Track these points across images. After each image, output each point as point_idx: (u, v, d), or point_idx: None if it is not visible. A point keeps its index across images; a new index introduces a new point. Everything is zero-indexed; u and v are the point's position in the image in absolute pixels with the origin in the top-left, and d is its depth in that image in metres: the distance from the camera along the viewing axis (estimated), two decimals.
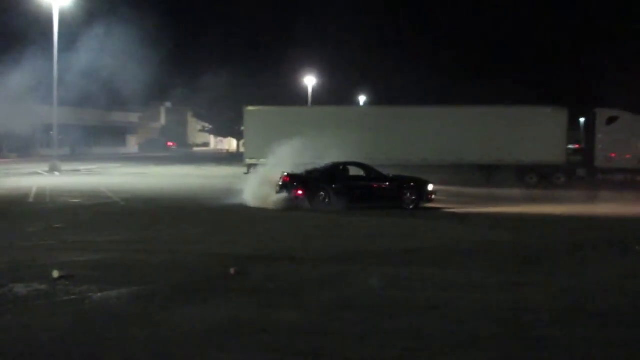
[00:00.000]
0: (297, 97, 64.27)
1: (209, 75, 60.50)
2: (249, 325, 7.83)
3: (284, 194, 20.16)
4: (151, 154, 71.30)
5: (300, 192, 20.18)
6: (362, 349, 7.05)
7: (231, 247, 13.36)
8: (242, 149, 42.65)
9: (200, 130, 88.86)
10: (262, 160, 29.50)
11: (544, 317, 8.32)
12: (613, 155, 30.53)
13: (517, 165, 30.92)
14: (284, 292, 9.43)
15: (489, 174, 31.50)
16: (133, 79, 46.35)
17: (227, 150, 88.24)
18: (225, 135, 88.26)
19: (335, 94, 65.26)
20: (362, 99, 78.48)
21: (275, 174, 21.76)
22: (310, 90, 66.76)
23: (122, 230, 15.61)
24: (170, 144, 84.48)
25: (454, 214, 20.01)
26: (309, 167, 21.14)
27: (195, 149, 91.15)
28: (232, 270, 10.58)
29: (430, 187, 20.84)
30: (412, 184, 20.89)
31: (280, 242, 14.10)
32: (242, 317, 8.13)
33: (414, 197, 20.48)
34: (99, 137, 71.30)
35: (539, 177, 30.94)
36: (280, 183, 20.42)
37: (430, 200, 20.85)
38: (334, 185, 20.28)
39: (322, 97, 64.83)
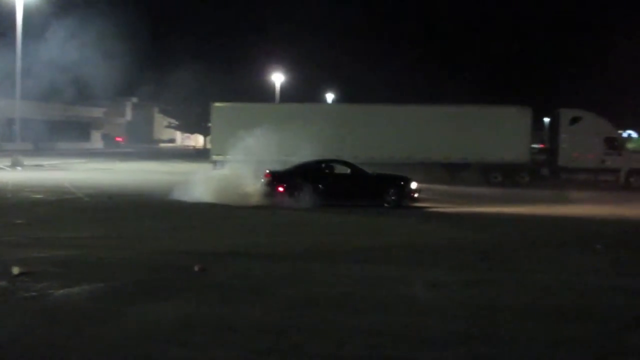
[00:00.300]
0: (265, 94, 64.10)
1: (176, 71, 60.01)
2: (212, 322, 7.79)
3: (266, 191, 20.24)
4: (110, 150, 70.43)
5: (281, 188, 20.24)
6: (325, 346, 7.05)
7: (196, 243, 13.29)
8: (208, 146, 42.40)
9: (167, 126, 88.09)
10: (229, 157, 29.42)
11: (506, 314, 8.40)
12: (576, 154, 30.97)
13: (482, 164, 31.22)
14: (247, 289, 9.40)
15: (454, 172, 31.75)
16: (99, 73, 45.79)
17: (194, 146, 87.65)
18: (191, 132, 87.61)
19: (303, 91, 65.28)
20: (330, 96, 78.53)
21: (242, 170, 21.72)
22: (278, 87, 66.63)
23: (85, 226, 15.43)
24: (118, 139, 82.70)
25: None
26: (293, 164, 21.22)
27: (161, 145, 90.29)
28: (196, 267, 10.52)
29: (413, 186, 20.72)
30: (393, 182, 20.84)
31: (246, 239, 14.04)
32: (206, 314, 8.09)
33: (395, 195, 20.41)
34: (63, 132, 70.24)
35: (504, 176, 31.27)
36: (263, 180, 20.46)
37: (414, 199, 20.77)
38: (314, 183, 20.28)
39: (291, 94, 64.77)
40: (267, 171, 20.66)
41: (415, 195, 20.77)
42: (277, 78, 66.16)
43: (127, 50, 48.80)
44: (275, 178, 20.46)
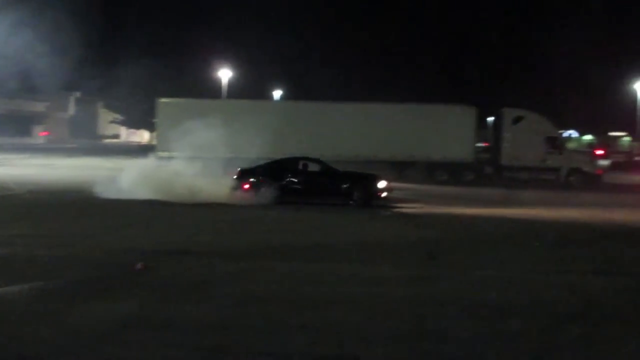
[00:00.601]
0: (212, 90, 63.46)
1: (122, 66, 59.01)
2: (154, 321, 7.70)
3: (235, 187, 20.28)
4: (52, 145, 68.81)
5: (247, 186, 20.23)
6: (269, 344, 7.04)
7: (138, 241, 13.08)
8: (154, 142, 41.83)
9: (111, 122, 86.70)
10: (174, 154, 29.06)
11: (449, 310, 8.53)
12: (518, 153, 31.53)
13: (427, 162, 31.55)
14: (191, 287, 9.32)
15: (400, 170, 31.98)
16: (42, 66, 44.65)
17: (139, 142, 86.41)
18: (137, 127, 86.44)
19: (251, 88, 64.81)
20: (278, 93, 78.26)
21: (187, 167, 21.50)
22: (225, 83, 66.12)
23: (25, 223, 15.07)
24: (42, 133, 79.79)
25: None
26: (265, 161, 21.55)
27: (106, 140, 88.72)
28: (138, 265, 10.38)
29: (381, 185, 20.34)
30: (358, 180, 20.52)
31: (190, 237, 13.91)
32: (147, 313, 7.99)
33: (360, 194, 20.03)
34: (4, 126, 68.31)
35: (449, 174, 31.67)
36: (235, 177, 20.58)
37: (381, 198, 20.36)
38: (279, 180, 20.24)
39: (238, 90, 64.24)
40: (239, 168, 20.77)
41: (383, 194, 20.39)
42: (225, 74, 65.61)
43: (71, 44, 47.74)
44: (243, 175, 20.52)
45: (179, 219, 16.77)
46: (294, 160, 21.47)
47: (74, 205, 18.81)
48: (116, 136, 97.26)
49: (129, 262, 10.58)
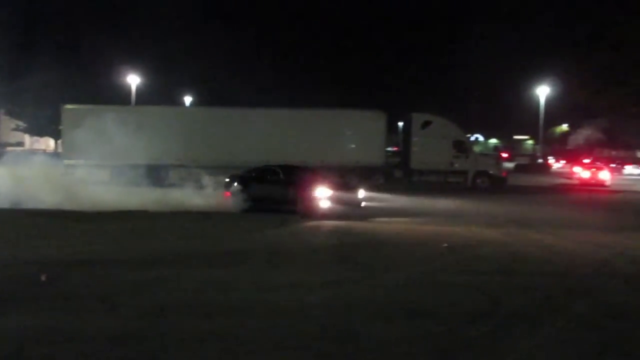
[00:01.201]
0: (120, 97, 62.08)
1: (25, 72, 57.04)
2: (58, 333, 7.44)
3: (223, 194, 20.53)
4: None
5: (228, 193, 20.46)
6: (179, 353, 6.93)
7: (41, 252, 12.59)
8: (60, 149, 40.57)
9: (14, 129, 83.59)
10: (81, 161, 28.31)
11: (359, 313, 8.60)
12: (427, 157, 32.21)
13: (339, 166, 31.71)
14: (97, 298, 9.05)
15: None
16: None
17: (44, 150, 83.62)
18: (41, 135, 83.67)
19: (161, 94, 63.78)
20: (188, 99, 77.34)
21: (93, 174, 20.98)
22: (134, 89, 64.85)
23: None
24: None
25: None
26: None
27: (9, 148, 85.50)
28: (43, 277, 10.01)
29: (322, 193, 19.13)
30: (300, 188, 19.43)
31: (95, 246, 13.49)
32: (51, 326, 7.72)
33: (301, 203, 19.14)
34: None
35: (360, 178, 31.96)
36: (225, 183, 20.96)
37: (320, 208, 18.98)
38: (249, 188, 20.19)
39: (148, 96, 63.06)
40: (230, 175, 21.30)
41: (325, 204, 19.07)
42: (133, 80, 64.32)
43: None
44: (230, 181, 20.79)
45: (82, 228, 16.21)
46: (275, 167, 21.11)
47: None
48: (20, 144, 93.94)
49: (32, 275, 10.19)
